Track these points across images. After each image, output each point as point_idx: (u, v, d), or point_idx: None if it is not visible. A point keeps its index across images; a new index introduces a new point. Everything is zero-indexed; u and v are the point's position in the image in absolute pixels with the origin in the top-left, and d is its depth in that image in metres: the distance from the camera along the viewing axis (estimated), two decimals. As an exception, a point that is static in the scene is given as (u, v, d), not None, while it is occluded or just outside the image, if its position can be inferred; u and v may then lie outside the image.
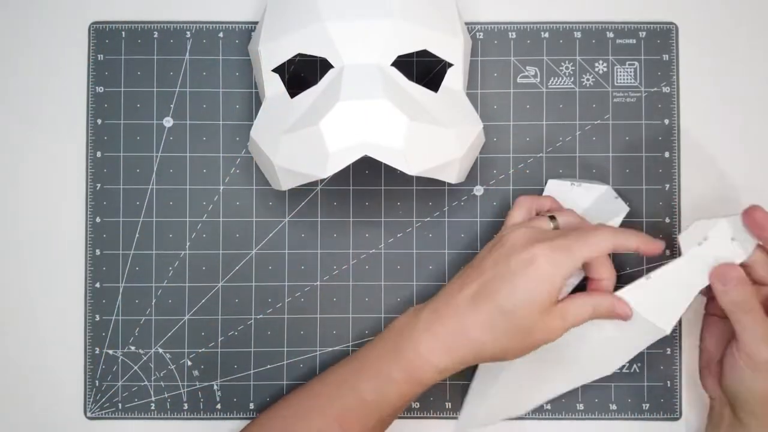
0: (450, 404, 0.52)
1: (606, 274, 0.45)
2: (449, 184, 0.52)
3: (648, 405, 0.51)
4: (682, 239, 0.45)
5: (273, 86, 0.47)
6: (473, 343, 0.42)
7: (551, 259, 0.41)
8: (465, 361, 0.43)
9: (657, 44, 0.52)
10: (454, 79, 0.47)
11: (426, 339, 0.43)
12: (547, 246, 0.41)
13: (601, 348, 0.47)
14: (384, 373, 0.43)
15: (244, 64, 0.52)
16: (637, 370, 0.51)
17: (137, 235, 0.52)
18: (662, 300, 0.45)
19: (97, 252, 0.52)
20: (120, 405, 0.51)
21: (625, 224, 0.51)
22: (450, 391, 0.52)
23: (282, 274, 0.52)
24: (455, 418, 0.51)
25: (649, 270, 0.46)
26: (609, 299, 0.44)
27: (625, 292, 0.45)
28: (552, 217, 0.46)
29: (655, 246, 0.44)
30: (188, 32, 0.52)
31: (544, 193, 0.51)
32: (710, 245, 0.44)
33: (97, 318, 0.52)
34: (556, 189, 0.51)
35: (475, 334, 0.42)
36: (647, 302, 0.45)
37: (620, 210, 0.50)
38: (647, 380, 0.51)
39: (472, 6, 0.52)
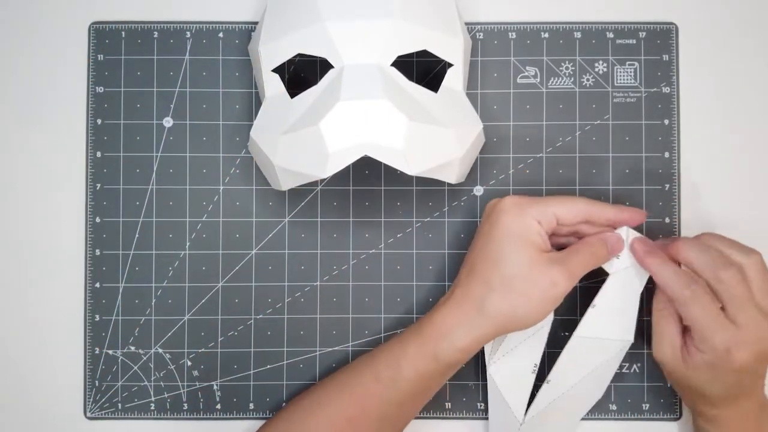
0: (450, 404, 0.52)
1: (603, 220, 0.45)
2: (449, 184, 0.52)
3: (648, 405, 0.51)
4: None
5: (273, 86, 0.47)
6: (479, 304, 0.42)
7: (516, 201, 0.44)
8: (478, 326, 0.42)
9: (657, 44, 0.52)
10: (454, 79, 0.47)
11: (439, 311, 0.44)
12: (514, 196, 0.44)
13: (592, 380, 0.48)
14: (399, 349, 0.44)
15: (244, 64, 0.52)
16: (637, 371, 0.51)
17: (137, 235, 0.52)
18: (615, 317, 0.46)
19: (97, 252, 0.52)
20: (120, 405, 0.51)
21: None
22: (450, 391, 0.52)
23: (282, 274, 0.52)
24: (455, 418, 0.51)
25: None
26: (599, 237, 0.45)
27: (582, 329, 0.46)
28: None
29: (633, 214, 0.45)
30: (188, 32, 0.52)
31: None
32: (626, 255, 0.46)
33: (97, 318, 0.52)
34: None
35: (479, 293, 0.43)
36: (605, 326, 0.46)
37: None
38: (647, 380, 0.51)
39: (472, 6, 0.52)
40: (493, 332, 0.43)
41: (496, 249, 0.43)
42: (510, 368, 0.48)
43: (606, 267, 0.46)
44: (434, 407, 0.51)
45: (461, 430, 0.52)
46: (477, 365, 0.51)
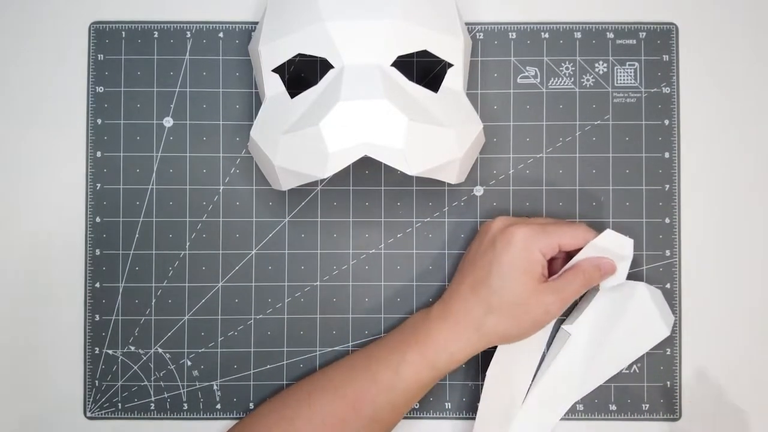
0: (450, 404, 0.52)
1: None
2: (449, 184, 0.52)
3: (648, 405, 0.51)
4: None
5: (273, 86, 0.47)
6: (477, 324, 0.45)
7: (526, 234, 0.45)
8: (472, 343, 0.45)
9: (657, 44, 0.52)
10: (454, 80, 0.47)
11: (438, 324, 0.46)
12: (523, 225, 0.46)
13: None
14: (399, 356, 0.46)
15: (244, 64, 0.52)
16: (637, 371, 0.51)
17: (137, 235, 0.52)
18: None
19: (97, 252, 0.52)
20: (120, 405, 0.51)
21: (623, 226, 0.51)
22: (450, 391, 0.52)
23: (282, 274, 0.52)
24: (455, 418, 0.52)
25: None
26: (593, 262, 0.47)
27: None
28: None
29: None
30: (188, 32, 0.52)
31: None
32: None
33: (97, 318, 0.52)
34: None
35: (478, 315, 0.45)
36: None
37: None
38: (647, 380, 0.51)
39: (472, 6, 0.52)
40: (485, 346, 0.46)
41: (501, 277, 0.45)
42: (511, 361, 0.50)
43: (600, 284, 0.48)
44: (434, 407, 0.52)
45: (461, 430, 0.52)
46: (477, 366, 0.51)
